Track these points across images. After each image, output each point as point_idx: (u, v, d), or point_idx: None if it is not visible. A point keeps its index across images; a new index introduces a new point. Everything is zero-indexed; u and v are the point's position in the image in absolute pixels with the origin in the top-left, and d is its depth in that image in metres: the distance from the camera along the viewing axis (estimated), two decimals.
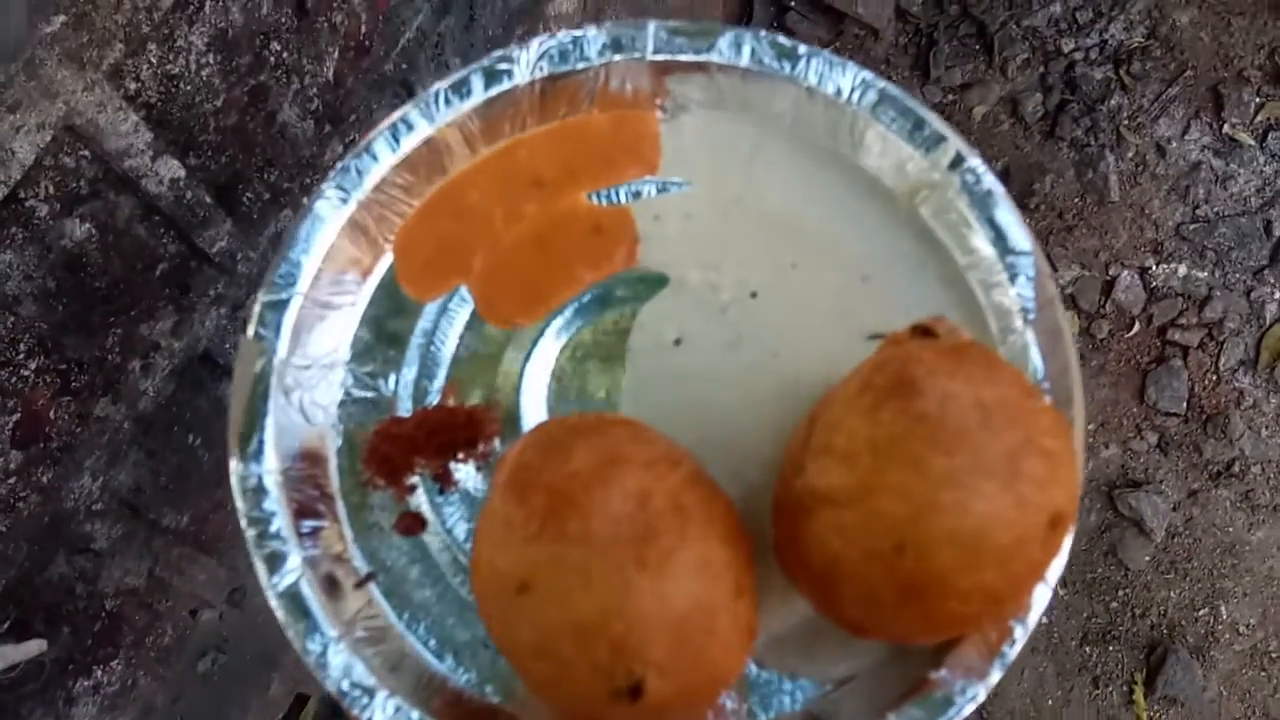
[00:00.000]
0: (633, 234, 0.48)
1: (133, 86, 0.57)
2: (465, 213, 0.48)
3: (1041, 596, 0.39)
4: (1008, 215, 0.43)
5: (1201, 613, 1.53)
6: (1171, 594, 1.53)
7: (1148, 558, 1.55)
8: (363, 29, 0.79)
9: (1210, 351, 1.63)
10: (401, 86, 0.87)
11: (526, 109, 0.48)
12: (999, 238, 0.43)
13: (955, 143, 0.44)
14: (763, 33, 0.46)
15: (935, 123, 0.45)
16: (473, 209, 0.48)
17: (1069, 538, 0.36)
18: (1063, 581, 1.46)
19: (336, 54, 0.77)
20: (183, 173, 0.64)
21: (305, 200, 0.46)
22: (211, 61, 0.63)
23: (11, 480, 0.63)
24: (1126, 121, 1.69)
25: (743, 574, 0.36)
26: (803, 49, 0.46)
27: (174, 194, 0.65)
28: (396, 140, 0.46)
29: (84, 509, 0.71)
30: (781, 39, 0.46)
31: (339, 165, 0.46)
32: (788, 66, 0.46)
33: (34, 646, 0.69)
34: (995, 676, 0.38)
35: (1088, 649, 1.51)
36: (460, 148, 0.47)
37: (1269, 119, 1.75)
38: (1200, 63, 1.77)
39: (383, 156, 0.46)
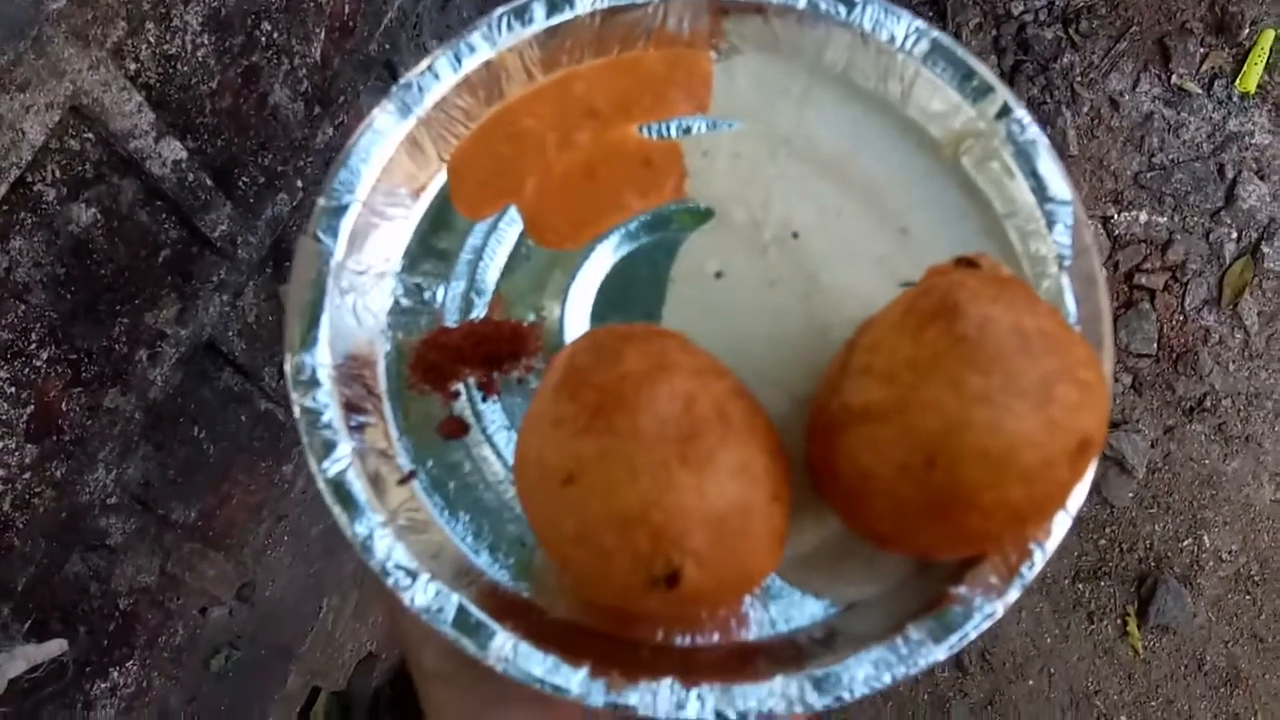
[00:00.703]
0: (681, 168, 0.49)
1: (133, 67, 0.58)
2: (519, 137, 0.49)
3: (1061, 524, 0.40)
4: (1050, 165, 0.45)
5: (1186, 543, 1.58)
6: (1156, 527, 1.58)
7: (1131, 494, 1.60)
8: (346, 8, 0.80)
9: (1175, 293, 1.69)
10: (385, 68, 0.88)
11: (585, 40, 0.49)
12: (1039, 186, 0.45)
13: (1003, 93, 0.46)
14: None
15: (984, 73, 0.46)
16: (527, 134, 0.49)
17: (1093, 466, 0.38)
18: None
19: (323, 34, 0.78)
20: (184, 154, 0.65)
21: (367, 112, 0.47)
22: (206, 42, 0.64)
23: (27, 475, 0.64)
24: (1079, 78, 1.75)
25: (779, 481, 0.38)
26: None
27: (176, 176, 0.65)
28: (459, 61, 0.48)
29: (99, 503, 0.72)
30: None
31: (401, 82, 0.47)
32: (843, 11, 0.48)
33: (55, 646, 0.69)
34: (1014, 595, 0.39)
35: (1080, 586, 1.55)
36: (519, 74, 0.49)
37: (1213, 68, 1.82)
38: (1144, 18, 1.83)
39: (444, 75, 0.47)
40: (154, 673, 0.86)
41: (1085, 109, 1.73)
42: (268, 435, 0.92)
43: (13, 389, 0.60)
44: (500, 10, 0.48)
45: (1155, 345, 1.65)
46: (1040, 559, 0.40)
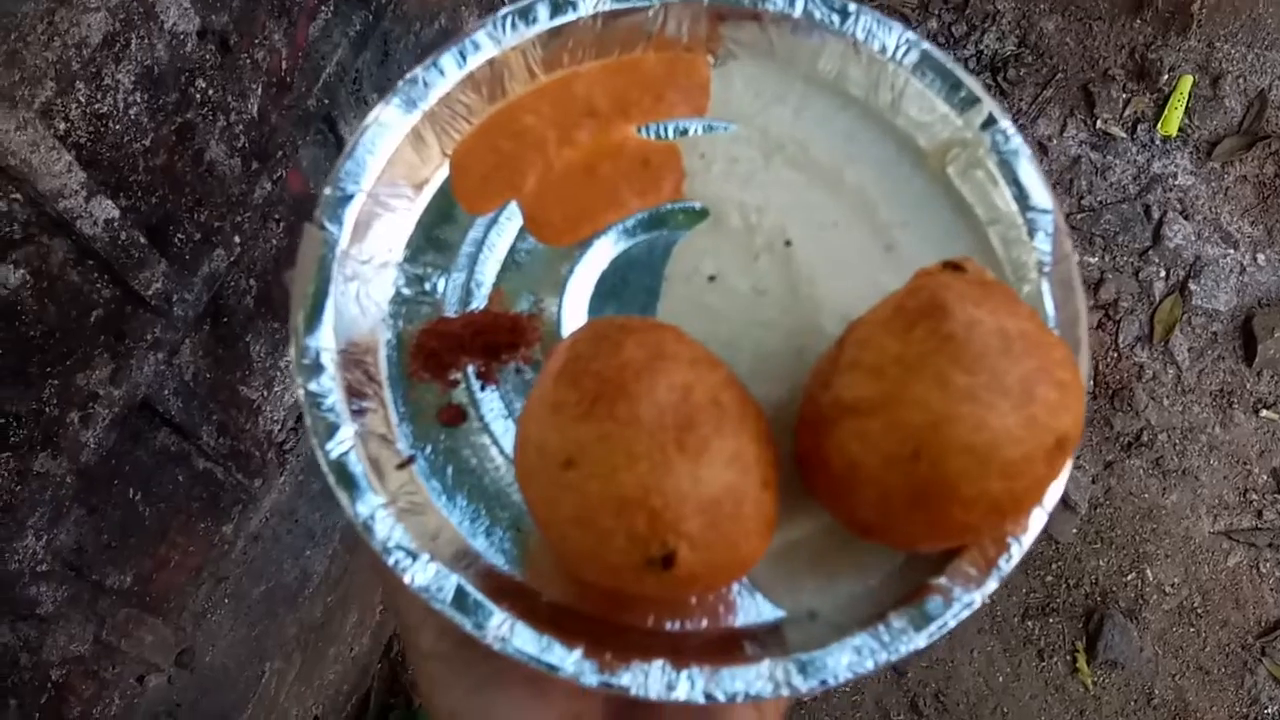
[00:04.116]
0: (679, 169, 0.50)
1: (63, 126, 0.57)
2: (521, 134, 0.50)
3: (1038, 520, 0.42)
4: (1032, 174, 0.47)
5: (1129, 577, 1.61)
6: (1100, 562, 1.62)
7: (1075, 530, 1.64)
8: (284, 64, 0.80)
9: (1109, 331, 1.75)
10: (324, 122, 0.87)
11: (587, 42, 0.50)
12: (1022, 195, 0.47)
13: (989, 104, 0.48)
14: None
15: (972, 85, 0.48)
16: (528, 131, 0.50)
17: (1069, 464, 0.40)
18: None
19: (260, 90, 0.77)
20: (116, 213, 0.64)
21: (372, 107, 0.48)
22: (139, 100, 0.63)
23: None
24: None
25: (769, 470, 0.40)
26: (852, 6, 0.49)
27: (109, 235, 0.64)
28: (463, 58, 0.49)
29: (28, 571, 0.69)
30: None
31: (407, 77, 0.48)
32: (838, 20, 0.49)
33: None
34: (991, 585, 0.41)
35: (1030, 623, 1.58)
36: (521, 72, 0.50)
37: (1136, 112, 1.90)
38: (1069, 65, 1.92)
39: (449, 72, 0.49)
40: None
41: None
42: (206, 495, 0.90)
43: None
44: (505, 10, 0.49)
45: (1091, 382, 1.70)
46: (1017, 552, 0.42)
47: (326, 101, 0.87)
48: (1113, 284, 1.74)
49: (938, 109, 0.49)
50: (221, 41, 0.71)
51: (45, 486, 0.67)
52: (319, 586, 1.18)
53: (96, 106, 0.59)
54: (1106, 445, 1.67)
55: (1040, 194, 0.47)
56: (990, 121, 0.48)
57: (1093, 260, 1.77)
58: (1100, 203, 1.81)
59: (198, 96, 0.70)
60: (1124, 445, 1.66)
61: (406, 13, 0.96)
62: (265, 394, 0.95)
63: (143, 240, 0.67)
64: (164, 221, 0.70)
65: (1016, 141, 0.47)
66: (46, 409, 0.65)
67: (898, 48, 0.49)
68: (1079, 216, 1.79)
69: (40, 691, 0.75)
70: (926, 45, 0.49)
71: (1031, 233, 0.46)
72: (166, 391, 0.78)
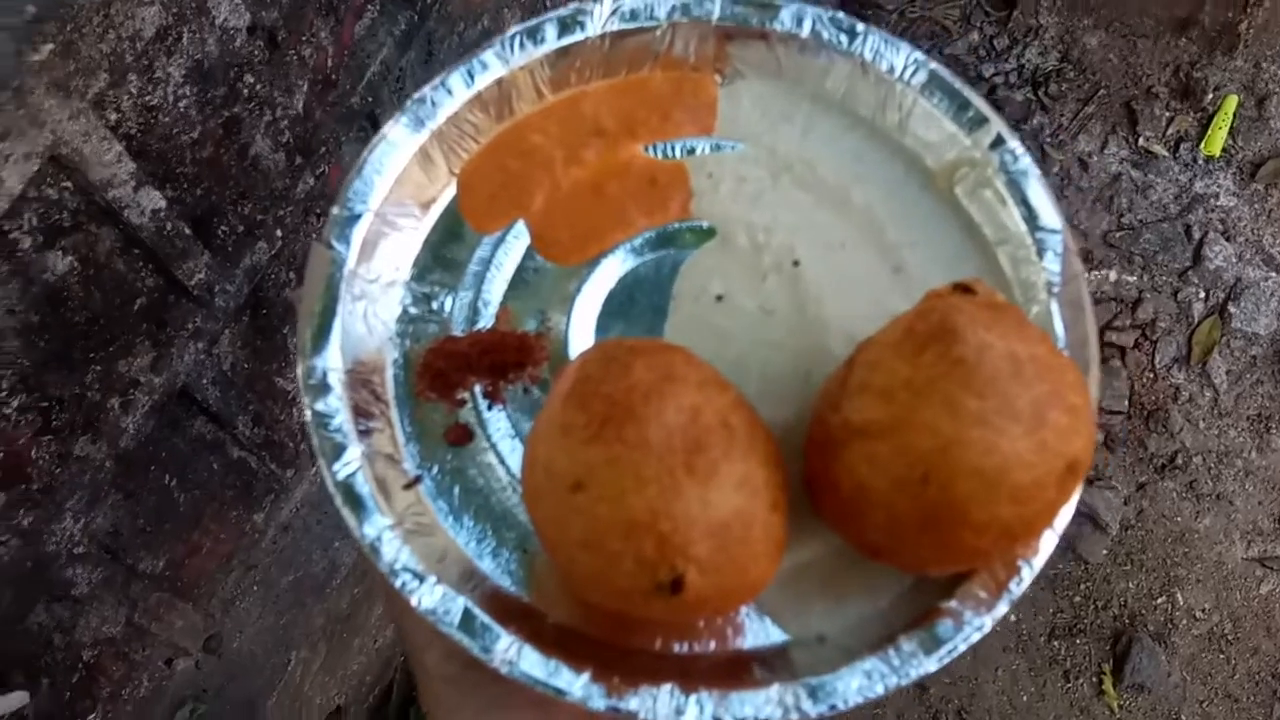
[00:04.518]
0: (687, 188, 0.50)
1: (114, 117, 0.58)
2: (528, 154, 0.50)
3: (1049, 542, 0.42)
4: (1041, 194, 0.47)
5: (1159, 601, 1.59)
6: (1130, 584, 1.59)
7: (1105, 551, 1.61)
8: (329, 62, 0.81)
9: (1146, 351, 1.72)
10: (367, 120, 0.88)
11: (594, 61, 0.50)
12: (1031, 215, 0.47)
13: (997, 125, 0.48)
14: (824, 9, 0.50)
15: (980, 105, 0.48)
16: (536, 151, 0.50)
17: (1079, 488, 0.39)
18: None
19: (305, 87, 0.78)
20: (163, 204, 0.65)
21: (380, 126, 0.48)
22: (189, 93, 0.65)
23: None
24: (1049, 139, 1.80)
25: (778, 493, 0.39)
26: (860, 26, 0.49)
27: (155, 225, 0.65)
28: (471, 77, 0.49)
29: (65, 553, 0.71)
30: (841, 15, 0.49)
31: (415, 96, 0.48)
32: (845, 41, 0.49)
33: (16, 699, 0.70)
34: (1002, 609, 0.41)
35: (1056, 643, 1.55)
36: (529, 91, 0.50)
37: (1179, 131, 1.87)
38: (1112, 82, 1.89)
39: (457, 91, 0.49)
40: None
41: (1055, 169, 1.78)
42: (239, 484, 0.91)
43: None
44: (513, 30, 0.49)
45: (1126, 402, 1.67)
46: (1028, 575, 0.41)
47: (370, 99, 0.88)
48: (1151, 304, 1.72)
49: (946, 129, 0.49)
50: (270, 38, 0.72)
51: (85, 470, 0.69)
52: (346, 578, 1.20)
53: (147, 98, 0.61)
54: (1140, 466, 1.65)
55: (1049, 214, 0.46)
56: (999, 141, 0.48)
57: (1131, 279, 1.75)
58: (1140, 221, 1.78)
59: (245, 91, 0.71)
60: (1158, 467, 1.64)
61: (450, 13, 0.97)
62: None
63: (187, 231, 0.69)
64: (208, 213, 0.72)
65: (1025, 161, 0.47)
66: (88, 394, 0.66)
67: (905, 68, 0.49)
68: (1118, 235, 1.77)
69: (72, 671, 0.77)
70: (934, 65, 0.49)
71: (1040, 253, 0.46)
72: (205, 380, 0.79)
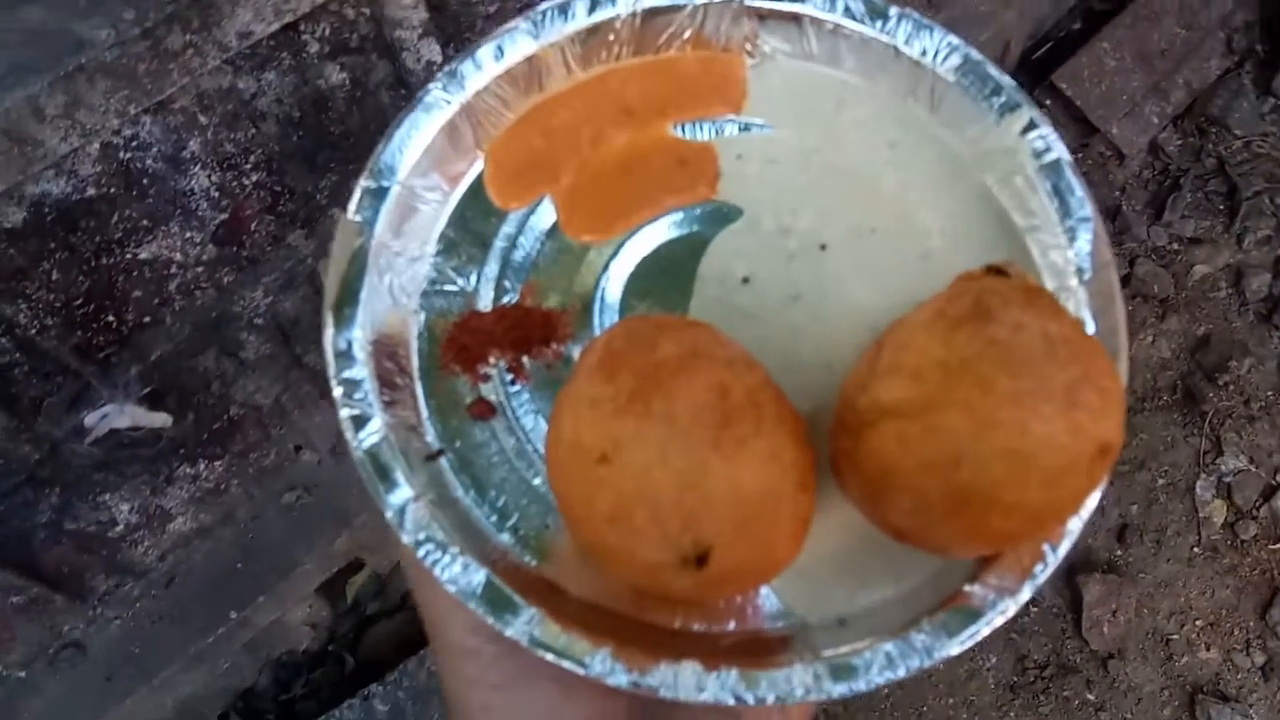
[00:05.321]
0: (715, 168, 0.50)
1: None
2: (556, 130, 0.50)
3: (1074, 528, 0.42)
4: (1072, 182, 0.46)
5: None
6: None
7: None
8: None
9: None
10: None
11: (624, 39, 0.50)
12: (1062, 203, 0.46)
13: (1029, 110, 0.47)
14: None
15: (1012, 90, 0.48)
16: (564, 128, 0.50)
17: (1108, 472, 0.39)
18: None
19: None
20: (439, 59, 0.69)
21: (412, 98, 0.48)
22: None
23: (200, 269, 0.71)
24: None
25: (806, 471, 0.39)
26: (893, 10, 0.49)
27: (425, 76, 0.69)
28: (501, 52, 0.49)
29: (247, 319, 0.79)
30: None
31: (445, 69, 0.48)
32: (878, 24, 0.49)
33: (160, 419, 0.79)
34: (1026, 594, 0.40)
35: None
36: (558, 68, 0.50)
37: None
38: None
39: (486, 66, 0.48)
40: (234, 481, 0.95)
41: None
42: None
43: (217, 193, 0.67)
44: (544, 5, 0.49)
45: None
46: (1053, 560, 0.41)
47: None
48: None
49: (977, 114, 0.48)
50: None
51: (289, 258, 0.75)
52: None
53: None
54: None
55: (1081, 201, 0.46)
56: (1030, 127, 0.47)
57: None
58: None
59: None
60: None
61: None
62: None
63: None
64: None
65: (1057, 148, 0.47)
66: (317, 196, 0.73)
67: (938, 52, 0.48)
68: None
69: (217, 419, 0.87)
70: (968, 50, 0.48)
71: (1071, 241, 0.46)
72: None
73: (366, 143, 0.70)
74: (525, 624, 0.40)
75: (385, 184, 0.47)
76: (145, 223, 0.70)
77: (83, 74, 0.57)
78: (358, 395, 0.43)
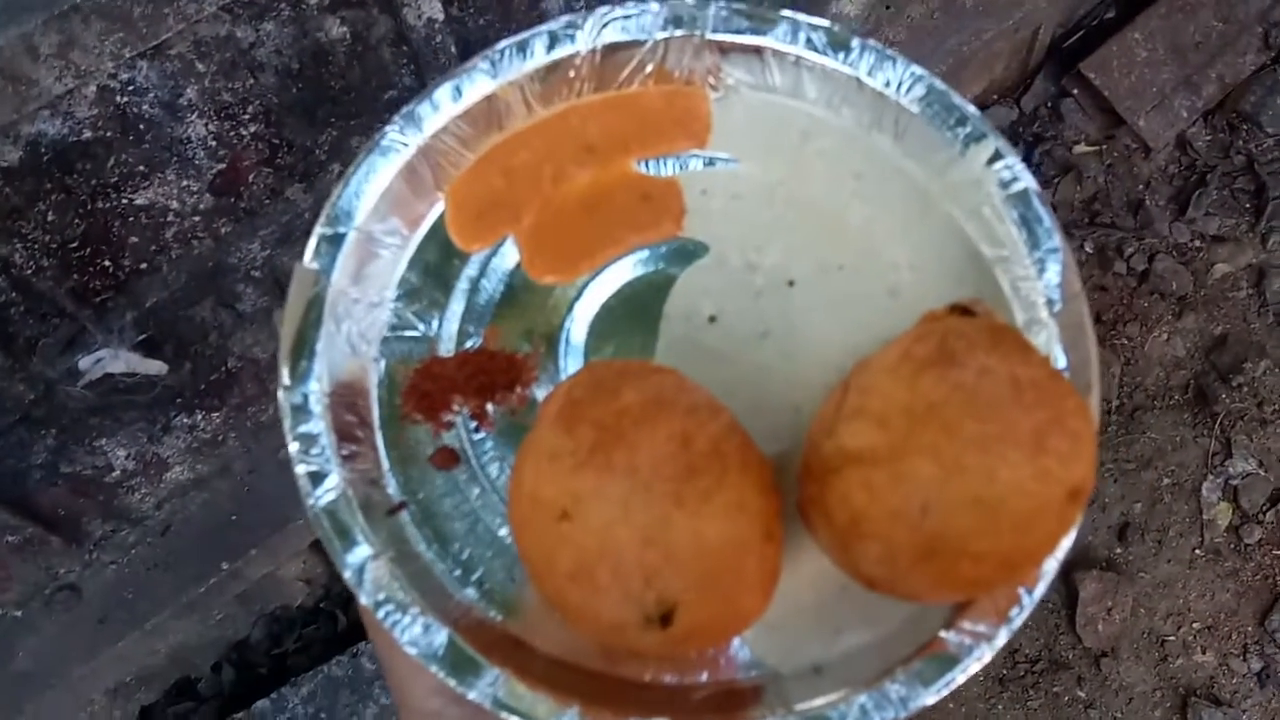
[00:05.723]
0: (680, 204, 0.49)
1: None
2: (517, 170, 0.49)
3: (1050, 570, 0.41)
4: (1040, 212, 0.46)
5: None
6: None
7: None
8: None
9: None
10: None
11: (585, 75, 0.49)
12: (1030, 234, 0.46)
13: (994, 140, 0.47)
14: (819, 21, 0.48)
15: (977, 120, 0.47)
16: (525, 167, 0.49)
17: (1080, 515, 0.38)
18: None
19: None
20: (441, 17, 0.70)
21: (367, 141, 0.47)
22: None
23: (197, 219, 0.71)
24: None
25: (772, 520, 0.38)
26: (855, 41, 0.48)
27: (426, 33, 0.69)
28: (459, 92, 0.48)
29: (244, 271, 0.78)
30: (837, 28, 0.48)
31: (402, 111, 0.47)
32: (840, 56, 0.48)
33: (155, 366, 0.79)
34: (1002, 639, 0.40)
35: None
36: (519, 106, 0.49)
37: None
38: None
39: (444, 106, 0.48)
40: (232, 434, 0.96)
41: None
42: None
43: (214, 143, 0.67)
44: (502, 44, 0.48)
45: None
46: (1029, 603, 0.40)
47: None
48: None
49: (942, 144, 0.47)
50: None
51: (286, 212, 0.76)
52: None
53: None
54: None
55: (1048, 232, 0.45)
56: (996, 157, 0.46)
57: None
58: None
59: None
60: None
61: None
62: None
63: (453, 49, 0.73)
64: (479, 41, 0.77)
65: (1024, 178, 0.46)
66: (316, 151, 0.73)
67: (901, 83, 0.48)
68: None
69: (214, 369, 0.86)
70: (932, 80, 0.48)
71: (1040, 272, 0.45)
72: None
73: (367, 98, 0.72)
74: (489, 685, 0.39)
75: (342, 230, 0.46)
76: (141, 168, 0.70)
77: (77, 14, 0.58)
78: (314, 451, 0.42)
